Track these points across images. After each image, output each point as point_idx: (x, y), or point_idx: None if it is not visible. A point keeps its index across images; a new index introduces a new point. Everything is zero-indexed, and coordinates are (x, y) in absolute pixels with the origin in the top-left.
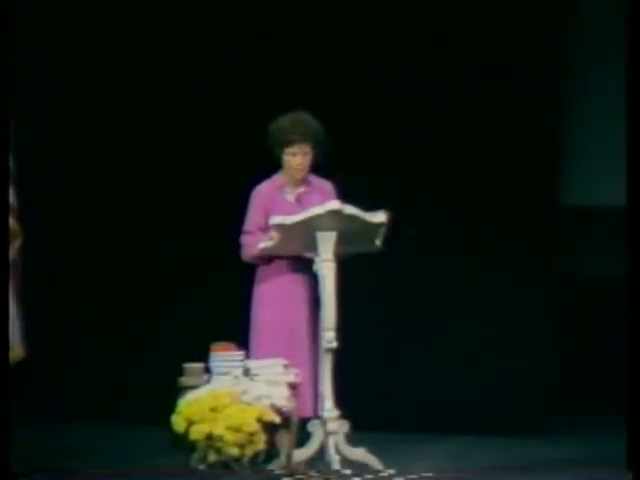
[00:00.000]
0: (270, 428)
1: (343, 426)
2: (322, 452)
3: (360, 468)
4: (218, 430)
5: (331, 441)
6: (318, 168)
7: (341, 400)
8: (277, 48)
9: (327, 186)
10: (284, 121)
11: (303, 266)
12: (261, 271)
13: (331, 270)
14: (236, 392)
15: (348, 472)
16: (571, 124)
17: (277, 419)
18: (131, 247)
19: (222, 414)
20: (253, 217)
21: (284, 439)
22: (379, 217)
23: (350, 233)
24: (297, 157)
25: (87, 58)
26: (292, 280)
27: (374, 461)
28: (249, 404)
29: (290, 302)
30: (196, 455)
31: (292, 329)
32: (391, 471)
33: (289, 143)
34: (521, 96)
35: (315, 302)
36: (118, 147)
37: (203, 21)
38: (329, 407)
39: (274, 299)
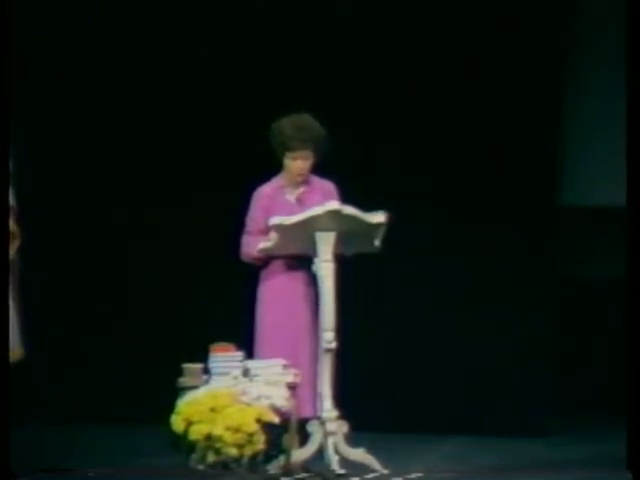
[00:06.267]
0: (272, 428)
1: (342, 426)
2: (321, 452)
3: (359, 468)
4: (217, 430)
5: (330, 441)
6: (318, 168)
7: (340, 400)
8: (279, 48)
9: (328, 186)
10: (286, 126)
11: (305, 266)
12: (264, 271)
13: (330, 270)
14: (235, 392)
15: (347, 472)
16: (571, 124)
17: (276, 419)
18: (131, 247)
19: (221, 414)
20: (253, 218)
21: (287, 439)
22: (378, 217)
23: (349, 233)
24: (298, 162)
25: (87, 56)
26: (294, 279)
27: (373, 461)
28: (248, 404)
29: (293, 302)
30: (195, 455)
31: (295, 328)
32: (390, 471)
33: (290, 148)
34: (521, 96)
35: (317, 302)
36: (118, 148)
37: (207, 18)
38: (328, 407)
39: (277, 299)
